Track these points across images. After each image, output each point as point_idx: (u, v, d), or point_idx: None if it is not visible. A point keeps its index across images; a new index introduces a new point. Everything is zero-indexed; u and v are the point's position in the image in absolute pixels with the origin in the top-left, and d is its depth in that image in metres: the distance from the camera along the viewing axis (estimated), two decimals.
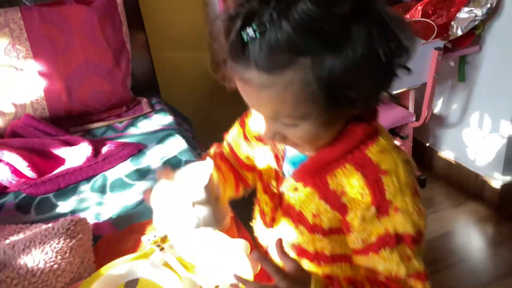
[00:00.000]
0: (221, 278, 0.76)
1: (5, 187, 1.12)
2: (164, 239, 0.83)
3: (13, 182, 1.11)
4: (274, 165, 0.74)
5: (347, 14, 0.51)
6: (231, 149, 0.86)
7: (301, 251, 0.72)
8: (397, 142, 1.90)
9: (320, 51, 0.52)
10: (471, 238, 1.75)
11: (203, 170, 0.69)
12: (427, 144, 2.11)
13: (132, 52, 1.51)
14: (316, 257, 0.71)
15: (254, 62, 0.53)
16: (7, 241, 0.83)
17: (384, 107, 1.83)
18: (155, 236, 0.84)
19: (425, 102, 1.66)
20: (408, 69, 0.59)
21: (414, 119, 1.78)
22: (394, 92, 1.66)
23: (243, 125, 0.84)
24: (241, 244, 0.79)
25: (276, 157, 0.74)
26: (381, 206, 0.61)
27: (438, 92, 1.93)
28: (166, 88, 1.73)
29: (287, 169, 0.73)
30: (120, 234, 0.92)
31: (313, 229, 0.68)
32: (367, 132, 0.64)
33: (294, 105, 0.56)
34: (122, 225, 0.95)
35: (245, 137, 0.83)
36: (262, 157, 0.78)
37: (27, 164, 1.13)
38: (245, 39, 0.52)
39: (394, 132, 1.91)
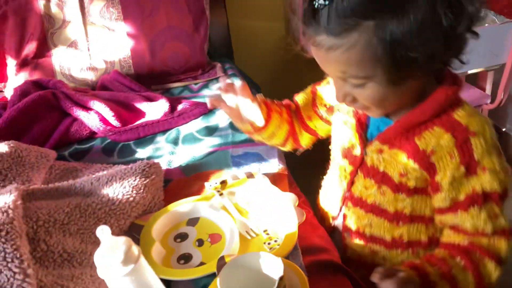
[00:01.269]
0: (270, 224, 0.84)
1: (94, 133, 1.28)
2: (224, 186, 0.93)
3: (101, 129, 1.25)
4: (356, 130, 0.78)
5: None
6: (297, 107, 0.92)
7: (380, 212, 0.76)
8: None
9: (383, 15, 0.57)
10: None
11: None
12: (504, 129, 2.02)
13: (210, 19, 1.61)
14: (396, 217, 0.75)
15: (324, 27, 0.60)
16: (94, 175, 0.97)
17: None
18: (216, 183, 0.94)
19: (501, 84, 1.59)
20: (476, 34, 0.61)
21: (489, 101, 1.71)
22: (470, 72, 1.61)
23: (314, 92, 0.90)
24: (290, 197, 0.87)
25: (359, 121, 0.78)
26: (470, 166, 0.66)
27: None
28: (240, 55, 1.81)
29: (371, 133, 0.77)
30: (187, 180, 1.03)
31: (398, 188, 0.73)
32: (454, 97, 0.67)
33: (359, 66, 0.61)
34: (190, 172, 1.05)
35: (314, 104, 0.90)
36: (341, 124, 0.82)
37: (113, 114, 1.27)
38: (316, 6, 0.60)
39: None
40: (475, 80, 1.78)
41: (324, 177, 0.95)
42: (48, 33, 1.49)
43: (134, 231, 0.86)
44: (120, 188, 0.91)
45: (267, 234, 0.82)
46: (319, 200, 0.96)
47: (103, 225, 0.61)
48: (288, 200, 0.86)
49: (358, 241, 0.82)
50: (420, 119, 0.68)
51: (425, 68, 0.62)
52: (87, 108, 1.30)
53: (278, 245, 0.78)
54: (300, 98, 0.92)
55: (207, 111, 1.32)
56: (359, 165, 0.78)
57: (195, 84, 1.52)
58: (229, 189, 0.92)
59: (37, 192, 0.89)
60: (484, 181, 0.66)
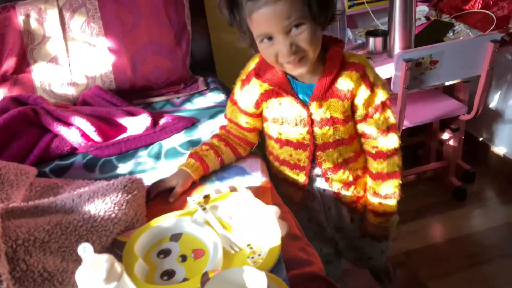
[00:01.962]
0: (253, 238, 0.84)
1: (76, 149, 1.27)
2: (207, 200, 0.93)
3: (82, 144, 1.25)
4: (294, 102, 0.99)
5: None
6: (232, 121, 1.11)
7: (342, 141, 1.02)
8: (447, 134, 1.89)
9: None
10: None
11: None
12: (481, 139, 2.06)
13: (192, 33, 1.62)
14: (351, 138, 1.03)
15: None
16: (75, 192, 0.96)
17: (436, 97, 1.82)
18: (199, 198, 0.93)
19: (477, 95, 1.63)
20: None
21: (465, 111, 1.75)
22: (447, 83, 1.65)
23: (234, 102, 1.09)
24: (273, 210, 0.87)
25: (292, 95, 0.99)
26: (371, 87, 0.96)
27: (496, 86, 1.89)
28: (222, 68, 1.83)
29: (304, 99, 0.99)
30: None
31: (345, 121, 1.00)
32: (342, 49, 0.96)
33: (298, 8, 0.83)
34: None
35: (240, 109, 1.07)
36: (279, 107, 1.01)
37: (94, 129, 1.26)
38: None
39: (445, 123, 1.89)
40: (452, 92, 1.82)
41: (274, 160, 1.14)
42: (27, 49, 1.48)
43: (116, 247, 0.85)
44: (102, 205, 0.90)
45: (251, 248, 0.82)
46: (284, 176, 1.12)
47: (85, 242, 0.60)
48: (270, 213, 0.86)
49: (338, 170, 1.06)
50: (334, 71, 0.94)
51: (330, 10, 0.89)
52: (68, 124, 1.29)
53: (262, 259, 0.79)
54: (229, 115, 1.11)
55: (189, 125, 1.32)
56: (311, 123, 1.00)
57: (177, 98, 1.52)
58: (212, 203, 0.92)
59: (16, 210, 0.87)
60: (381, 94, 0.97)
